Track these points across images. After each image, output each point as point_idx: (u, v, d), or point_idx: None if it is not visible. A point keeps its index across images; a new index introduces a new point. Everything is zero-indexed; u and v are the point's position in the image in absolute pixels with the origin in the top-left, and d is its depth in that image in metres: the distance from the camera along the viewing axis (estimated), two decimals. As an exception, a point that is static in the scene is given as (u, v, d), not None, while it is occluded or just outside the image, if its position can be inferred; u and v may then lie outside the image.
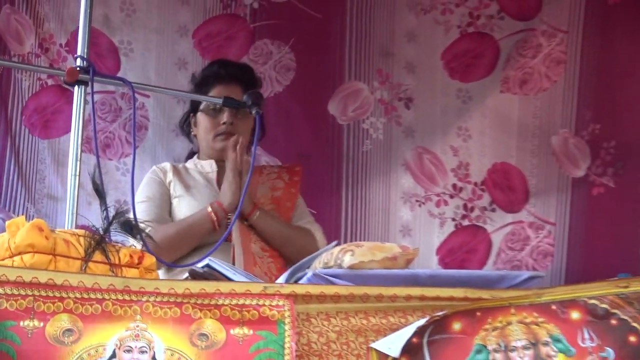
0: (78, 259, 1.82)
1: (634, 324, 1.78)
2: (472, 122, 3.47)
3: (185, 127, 3.02)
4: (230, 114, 2.83)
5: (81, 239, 1.85)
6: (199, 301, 1.75)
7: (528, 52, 3.45)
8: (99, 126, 3.23)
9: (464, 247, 3.48)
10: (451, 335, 1.80)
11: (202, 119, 2.88)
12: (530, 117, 3.48)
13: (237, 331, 1.72)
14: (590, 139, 3.44)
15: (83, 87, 2.26)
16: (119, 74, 3.21)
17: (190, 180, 2.89)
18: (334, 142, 3.45)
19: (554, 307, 1.85)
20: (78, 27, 2.34)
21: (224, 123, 2.82)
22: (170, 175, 2.90)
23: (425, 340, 1.77)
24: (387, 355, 1.75)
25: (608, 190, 3.42)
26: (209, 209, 2.72)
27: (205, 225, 2.73)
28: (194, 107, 2.92)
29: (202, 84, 2.90)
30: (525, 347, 1.80)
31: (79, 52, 2.31)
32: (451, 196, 3.48)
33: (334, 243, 2.20)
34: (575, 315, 1.82)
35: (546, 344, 1.80)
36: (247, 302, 1.75)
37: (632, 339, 1.77)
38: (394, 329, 1.79)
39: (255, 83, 2.97)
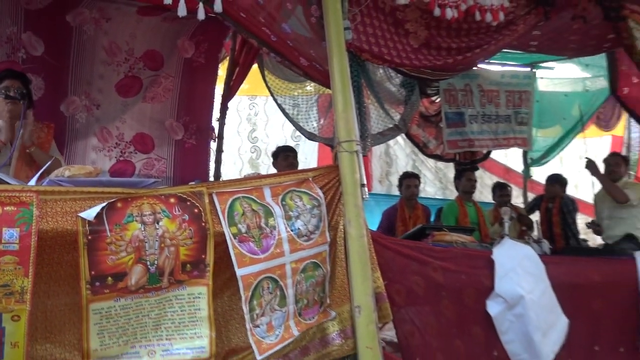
0: None
1: (197, 204, 2.64)
2: (128, 115, 5.25)
3: None
4: (13, 93, 3.70)
5: None
6: (-12, 194, 2.19)
7: (155, 85, 5.31)
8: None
9: (122, 169, 5.24)
10: (115, 209, 2.48)
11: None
12: (156, 113, 5.40)
13: (7, 208, 2.24)
14: (183, 123, 5.43)
15: None
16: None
17: (-7, 131, 3.80)
18: (63, 123, 4.97)
19: (163, 196, 2.62)
20: None
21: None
22: None
23: (104, 212, 2.52)
24: (86, 220, 2.42)
25: (192, 145, 5.56)
26: None
27: None
28: None
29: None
30: (150, 215, 2.58)
31: None
32: (114, 147, 5.26)
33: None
34: (172, 200, 2.65)
35: (159, 213, 2.60)
36: (13, 194, 2.30)
37: (196, 210, 2.63)
38: (91, 207, 2.46)
39: (26, 80, 3.94)
